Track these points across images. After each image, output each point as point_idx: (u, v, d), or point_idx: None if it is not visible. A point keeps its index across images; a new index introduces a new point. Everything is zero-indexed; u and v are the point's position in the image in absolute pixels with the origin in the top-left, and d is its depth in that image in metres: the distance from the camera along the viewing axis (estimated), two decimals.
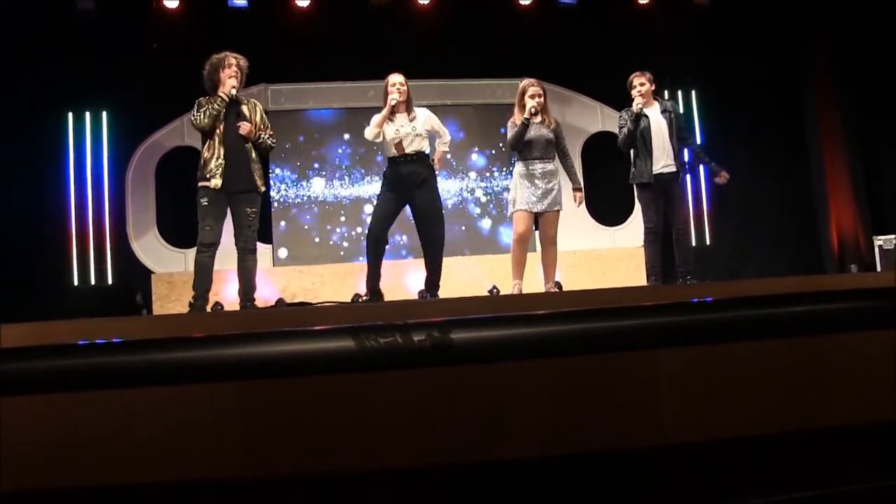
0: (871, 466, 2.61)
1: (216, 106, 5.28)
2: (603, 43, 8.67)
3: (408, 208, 5.77)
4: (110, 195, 8.15)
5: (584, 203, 6.15)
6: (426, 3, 8.47)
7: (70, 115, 8.09)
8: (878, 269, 7.89)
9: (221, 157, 5.27)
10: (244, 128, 5.32)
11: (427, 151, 5.75)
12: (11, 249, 7.37)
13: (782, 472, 2.60)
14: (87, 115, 8.14)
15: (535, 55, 8.63)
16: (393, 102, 5.59)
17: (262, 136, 5.46)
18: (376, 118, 5.64)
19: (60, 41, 7.81)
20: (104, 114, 8.18)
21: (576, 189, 6.01)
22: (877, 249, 8.01)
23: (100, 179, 8.14)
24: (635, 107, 5.98)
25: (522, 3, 8.67)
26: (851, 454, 2.63)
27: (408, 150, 5.62)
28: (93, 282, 8.01)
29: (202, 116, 5.28)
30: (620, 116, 6.17)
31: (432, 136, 5.88)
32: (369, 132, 5.65)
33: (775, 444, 2.60)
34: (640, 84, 6.06)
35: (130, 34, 7.98)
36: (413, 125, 5.68)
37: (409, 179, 5.62)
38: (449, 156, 6.13)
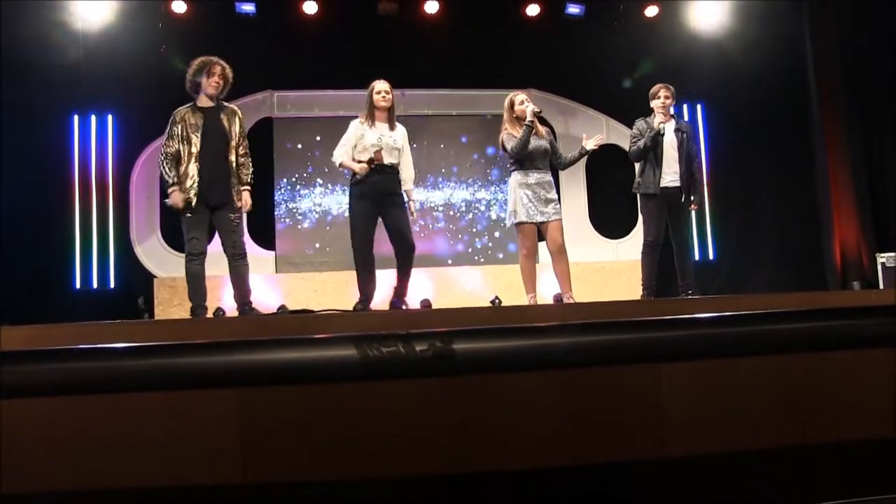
0: (871, 482, 2.61)
1: (169, 175, 5.28)
2: (609, 55, 8.68)
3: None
4: (114, 198, 8.16)
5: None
6: (433, 12, 8.49)
7: (76, 117, 8.11)
8: (881, 286, 7.88)
9: (195, 173, 5.25)
10: (245, 206, 5.41)
11: (398, 166, 5.70)
12: (15, 251, 7.38)
13: (782, 487, 2.60)
14: (93, 117, 8.16)
15: (541, 66, 8.67)
16: (374, 164, 5.54)
17: (244, 173, 5.45)
18: (354, 135, 5.65)
19: (67, 44, 7.82)
20: (109, 117, 8.20)
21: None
22: (879, 267, 8.00)
23: (104, 182, 8.16)
24: (657, 125, 5.97)
25: (529, 14, 8.68)
26: (851, 470, 2.63)
27: (385, 161, 5.58)
28: (95, 285, 8.01)
29: (163, 158, 5.31)
30: (635, 125, 6.15)
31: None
32: (337, 158, 5.67)
33: (775, 458, 2.60)
34: (666, 97, 6.06)
35: (138, 37, 8.00)
36: (394, 137, 5.67)
37: (382, 190, 5.59)
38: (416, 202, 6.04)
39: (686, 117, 9.17)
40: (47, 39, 7.72)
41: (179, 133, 5.30)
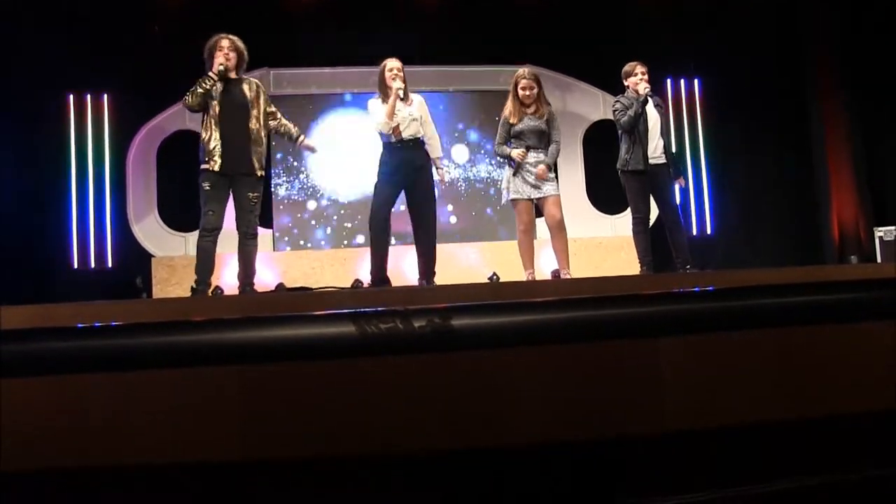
0: (870, 455, 2.62)
1: (204, 84, 5.21)
2: (606, 31, 8.65)
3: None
4: (111, 178, 8.15)
5: (548, 173, 5.80)
6: None
7: (71, 96, 8.08)
8: (879, 260, 7.90)
9: (217, 138, 5.21)
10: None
11: (422, 138, 5.70)
12: (12, 232, 7.39)
13: (782, 460, 2.61)
14: (88, 97, 8.13)
15: (537, 42, 8.63)
16: (400, 94, 5.54)
17: (282, 121, 5.58)
18: (383, 108, 5.57)
19: (62, 23, 7.79)
20: (105, 96, 8.17)
21: (545, 163, 5.82)
22: (877, 241, 8.01)
23: (101, 162, 8.15)
24: (643, 90, 5.97)
25: None
26: (849, 442, 2.64)
27: (404, 135, 5.58)
28: (93, 265, 8.01)
29: (190, 96, 5.23)
30: (617, 101, 6.14)
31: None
32: (383, 126, 5.57)
33: (775, 431, 2.61)
34: (643, 73, 6.05)
35: (133, 16, 7.96)
36: (409, 110, 5.66)
37: (406, 165, 5.59)
38: (444, 164, 6.03)
39: (682, 91, 9.16)
40: (43, 19, 7.68)
41: (195, 89, 5.26)
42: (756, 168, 8.97)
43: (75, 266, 7.99)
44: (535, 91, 5.85)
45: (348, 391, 2.42)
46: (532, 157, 5.78)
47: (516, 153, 5.75)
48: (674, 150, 6.33)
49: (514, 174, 5.80)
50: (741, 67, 8.94)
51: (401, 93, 5.54)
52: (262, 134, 5.43)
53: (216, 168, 5.19)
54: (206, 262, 5.26)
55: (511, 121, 5.85)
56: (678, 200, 6.35)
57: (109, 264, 8.10)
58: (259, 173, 5.37)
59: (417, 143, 5.67)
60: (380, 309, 2.32)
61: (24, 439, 2.39)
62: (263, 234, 8.24)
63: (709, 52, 9.00)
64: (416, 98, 5.78)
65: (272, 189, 8.49)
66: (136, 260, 8.06)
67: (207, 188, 5.23)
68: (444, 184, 5.96)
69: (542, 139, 5.85)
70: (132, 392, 2.44)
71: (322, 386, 2.41)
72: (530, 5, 8.70)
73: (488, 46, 8.67)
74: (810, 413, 2.62)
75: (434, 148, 5.83)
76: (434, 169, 5.82)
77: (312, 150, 5.86)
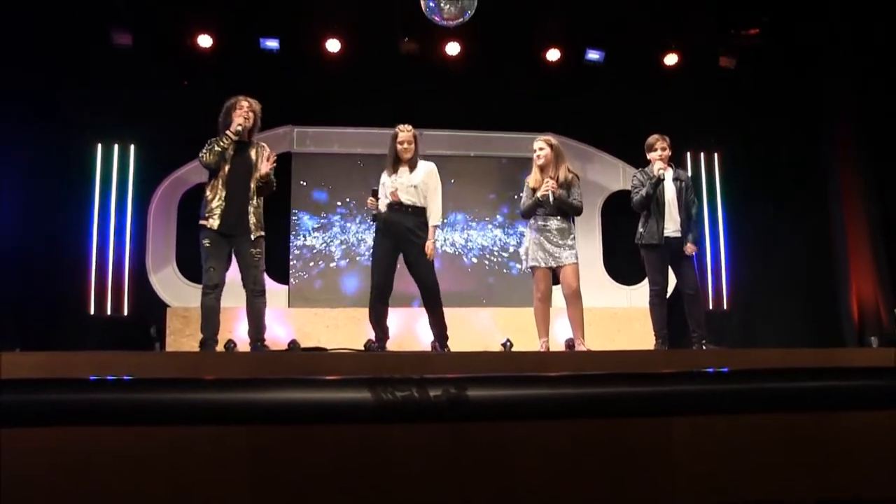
0: None
1: (222, 143, 5.28)
2: (628, 102, 8.72)
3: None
4: (132, 227, 8.24)
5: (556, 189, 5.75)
6: (455, 53, 8.56)
7: (99, 146, 8.21)
8: None
9: (222, 198, 5.27)
10: (265, 167, 5.37)
11: (422, 206, 5.64)
12: (32, 275, 7.46)
13: None
14: (116, 147, 8.26)
15: (560, 111, 8.72)
16: (387, 198, 5.63)
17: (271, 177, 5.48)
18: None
19: (94, 73, 7.95)
20: (132, 147, 8.30)
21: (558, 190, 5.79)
22: None
23: (123, 211, 8.24)
24: (657, 171, 5.98)
25: (550, 58, 8.74)
26: None
27: (401, 199, 5.58)
28: (109, 312, 8.05)
29: (208, 154, 5.27)
30: (634, 177, 6.18)
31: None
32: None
33: None
34: (663, 149, 6.07)
35: (163, 70, 8.11)
36: (410, 177, 5.64)
37: (401, 228, 5.57)
38: (439, 244, 5.97)
39: (702, 165, 9.21)
40: (75, 69, 7.84)
41: (213, 147, 5.31)
42: (774, 243, 8.95)
43: (92, 312, 8.03)
44: (546, 153, 5.86)
45: (362, 456, 2.41)
46: (551, 223, 5.79)
47: (542, 190, 5.74)
48: (693, 218, 6.22)
49: (535, 235, 5.81)
50: (760, 141, 8.98)
51: (376, 195, 5.66)
52: (258, 195, 5.45)
53: (214, 227, 5.23)
54: (210, 319, 5.25)
55: (531, 185, 5.89)
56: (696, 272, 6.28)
57: (125, 312, 8.13)
58: (255, 234, 5.35)
59: (414, 211, 5.62)
60: (396, 376, 2.33)
61: (26, 489, 2.39)
62: (279, 290, 8.32)
63: (730, 125, 9.05)
64: (423, 166, 5.73)
65: (290, 245, 8.54)
66: (151, 309, 8.09)
67: (208, 245, 5.25)
68: (432, 254, 5.67)
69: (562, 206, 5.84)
70: (142, 447, 2.44)
71: (335, 450, 2.40)
72: (553, 74, 8.80)
73: (511, 113, 8.76)
74: (824, 498, 2.59)
75: (432, 216, 5.70)
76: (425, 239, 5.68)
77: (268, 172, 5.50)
